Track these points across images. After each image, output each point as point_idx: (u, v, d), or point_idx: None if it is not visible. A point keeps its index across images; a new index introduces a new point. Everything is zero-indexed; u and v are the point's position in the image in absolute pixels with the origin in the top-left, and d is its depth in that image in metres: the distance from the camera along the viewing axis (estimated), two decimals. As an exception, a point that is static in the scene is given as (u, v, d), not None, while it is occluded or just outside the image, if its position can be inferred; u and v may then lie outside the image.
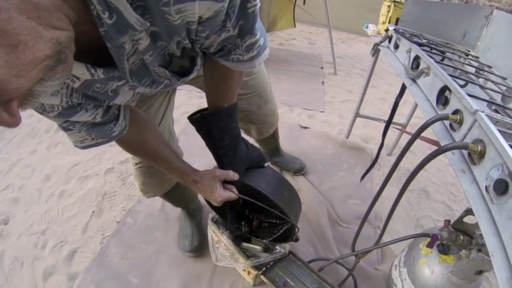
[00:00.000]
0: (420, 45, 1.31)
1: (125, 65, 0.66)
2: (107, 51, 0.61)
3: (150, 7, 0.56)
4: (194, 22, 0.64)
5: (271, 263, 1.41)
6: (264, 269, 1.38)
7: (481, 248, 0.99)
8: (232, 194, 1.11)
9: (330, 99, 3.35)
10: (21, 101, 0.49)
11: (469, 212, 1.06)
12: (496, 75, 1.31)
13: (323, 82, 3.71)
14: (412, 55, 1.26)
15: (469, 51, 1.60)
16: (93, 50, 0.62)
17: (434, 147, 0.83)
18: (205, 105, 1.08)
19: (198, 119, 1.06)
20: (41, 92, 0.50)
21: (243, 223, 1.39)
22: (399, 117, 2.18)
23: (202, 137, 1.10)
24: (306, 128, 2.74)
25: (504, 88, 1.16)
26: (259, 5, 0.73)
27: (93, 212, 1.83)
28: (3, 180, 2.04)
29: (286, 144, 2.27)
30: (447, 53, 1.38)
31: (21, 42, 0.42)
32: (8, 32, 0.40)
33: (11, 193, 1.95)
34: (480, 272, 1.03)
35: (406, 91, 1.44)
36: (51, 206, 1.87)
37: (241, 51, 0.82)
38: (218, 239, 1.43)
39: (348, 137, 2.55)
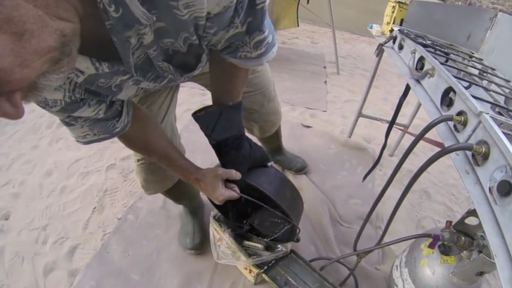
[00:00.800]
0: (425, 46, 1.31)
1: (130, 59, 0.66)
2: (112, 45, 0.61)
3: (157, 2, 0.56)
4: (202, 18, 0.64)
5: (273, 261, 1.41)
6: (265, 267, 1.38)
7: (482, 249, 0.99)
8: (234, 193, 1.11)
9: (332, 99, 3.35)
10: (25, 93, 0.48)
11: (470, 213, 1.06)
12: (499, 77, 1.31)
13: (326, 81, 3.71)
14: (417, 56, 1.25)
15: (472, 53, 1.60)
16: (99, 44, 0.62)
17: (436, 149, 0.83)
18: (208, 102, 1.08)
19: (202, 116, 1.06)
20: (45, 86, 0.50)
21: (245, 221, 1.39)
22: (401, 118, 2.18)
23: (206, 134, 1.10)
24: (308, 127, 2.74)
25: (507, 90, 1.16)
26: (268, 1, 0.73)
27: (94, 208, 1.83)
28: (4, 176, 2.04)
29: (288, 143, 2.27)
30: (451, 55, 1.38)
31: (27, 30, 0.41)
32: (14, 19, 0.40)
33: (11, 188, 1.95)
34: (481, 273, 1.03)
35: (409, 92, 1.44)
36: (52, 201, 1.87)
37: (249, 48, 0.82)
38: (220, 236, 1.43)
39: (350, 137, 2.54)
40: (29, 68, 0.44)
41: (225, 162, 1.12)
